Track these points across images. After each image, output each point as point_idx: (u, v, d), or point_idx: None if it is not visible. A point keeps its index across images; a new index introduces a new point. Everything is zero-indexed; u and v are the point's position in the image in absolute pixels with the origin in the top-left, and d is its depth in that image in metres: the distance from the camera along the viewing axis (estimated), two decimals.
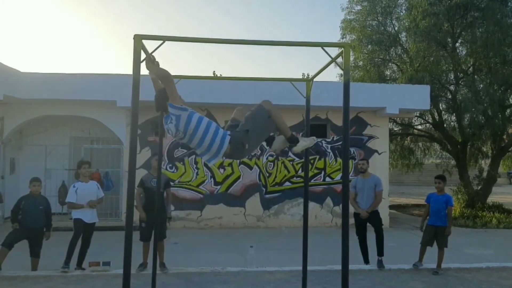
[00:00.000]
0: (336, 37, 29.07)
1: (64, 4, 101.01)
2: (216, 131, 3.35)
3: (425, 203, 7.53)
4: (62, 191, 11.25)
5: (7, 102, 10.77)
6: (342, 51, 3.35)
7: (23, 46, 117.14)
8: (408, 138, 18.54)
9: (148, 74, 3.82)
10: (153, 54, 3.44)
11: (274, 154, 3.42)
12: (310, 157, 12.14)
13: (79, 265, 7.02)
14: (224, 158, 3.49)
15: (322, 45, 3.34)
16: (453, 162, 17.78)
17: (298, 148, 3.73)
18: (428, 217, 7.33)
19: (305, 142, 3.75)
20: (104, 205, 9.16)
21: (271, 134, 3.82)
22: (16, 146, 12.47)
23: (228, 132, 3.45)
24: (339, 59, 3.53)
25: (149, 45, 3.38)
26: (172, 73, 3.57)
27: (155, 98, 3.47)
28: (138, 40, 2.94)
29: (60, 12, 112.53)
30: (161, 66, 3.81)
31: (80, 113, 11.60)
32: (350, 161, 11.09)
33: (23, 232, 6.69)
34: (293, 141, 3.72)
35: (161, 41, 3.09)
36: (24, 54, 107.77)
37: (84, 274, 6.67)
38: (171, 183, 7.92)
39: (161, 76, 3.40)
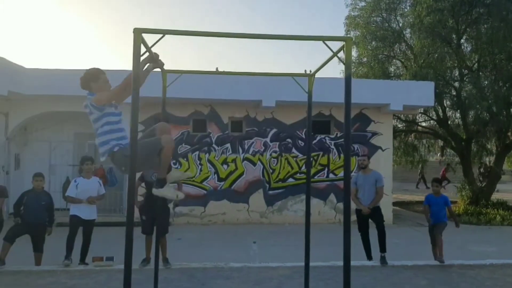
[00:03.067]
0: (340, 34, 28.97)
1: (67, 3, 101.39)
2: (108, 139, 3.65)
3: (424, 204, 7.64)
4: (67, 186, 11.24)
5: (11, 98, 10.80)
6: (343, 45, 3.32)
7: (28, 42, 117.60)
8: (412, 135, 18.45)
9: (153, 70, 3.85)
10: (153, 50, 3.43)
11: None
12: (314, 154, 12.12)
13: (82, 261, 7.01)
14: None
15: (323, 39, 3.31)
16: (457, 159, 17.70)
17: (156, 192, 3.65)
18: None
19: (164, 192, 3.63)
20: (108, 201, 9.17)
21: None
22: (20, 142, 12.52)
23: (118, 146, 3.60)
24: (342, 55, 3.50)
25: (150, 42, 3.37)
26: (174, 68, 3.56)
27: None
28: (138, 34, 2.92)
29: (63, 9, 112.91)
30: (162, 61, 3.83)
31: (84, 109, 11.60)
32: (353, 157, 11.04)
33: (24, 226, 6.70)
34: (160, 183, 3.62)
35: (161, 35, 3.07)
36: (28, 51, 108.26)
37: (87, 269, 6.68)
38: None
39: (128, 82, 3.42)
